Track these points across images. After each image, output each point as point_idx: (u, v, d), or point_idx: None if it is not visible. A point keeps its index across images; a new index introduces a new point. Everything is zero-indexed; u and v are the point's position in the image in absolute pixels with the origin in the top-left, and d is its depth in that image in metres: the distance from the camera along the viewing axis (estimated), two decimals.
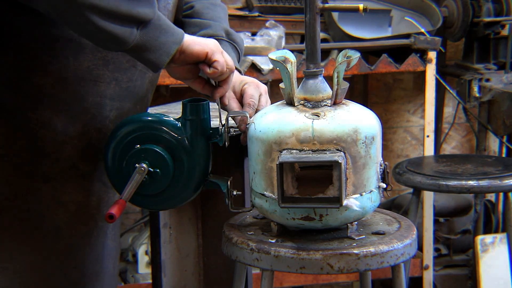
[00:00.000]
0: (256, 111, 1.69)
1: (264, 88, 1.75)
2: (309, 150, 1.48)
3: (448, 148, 3.96)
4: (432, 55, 3.17)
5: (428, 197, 3.26)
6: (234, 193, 1.65)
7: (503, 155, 3.72)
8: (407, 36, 3.22)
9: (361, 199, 1.52)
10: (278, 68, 1.54)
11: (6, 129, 1.56)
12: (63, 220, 1.61)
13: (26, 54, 1.54)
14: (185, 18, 1.84)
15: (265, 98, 1.74)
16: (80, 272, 1.66)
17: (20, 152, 1.57)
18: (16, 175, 1.57)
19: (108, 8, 1.42)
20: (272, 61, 1.53)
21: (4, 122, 1.56)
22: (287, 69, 1.53)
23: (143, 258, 3.27)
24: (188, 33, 1.83)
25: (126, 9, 1.43)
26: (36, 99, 1.56)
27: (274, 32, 3.16)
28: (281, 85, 1.56)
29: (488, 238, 3.34)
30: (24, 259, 1.61)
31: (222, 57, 1.59)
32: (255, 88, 1.72)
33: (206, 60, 1.57)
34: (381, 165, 1.56)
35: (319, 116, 1.50)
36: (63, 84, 1.57)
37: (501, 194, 3.65)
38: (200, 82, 1.65)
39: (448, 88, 3.43)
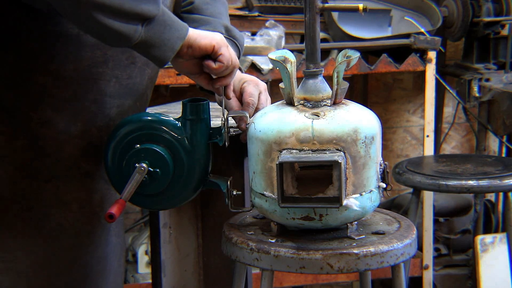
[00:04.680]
0: (256, 109, 1.69)
1: (263, 86, 1.75)
2: (309, 150, 1.48)
3: (448, 148, 3.96)
4: (432, 55, 3.17)
5: (428, 197, 3.26)
6: (234, 193, 1.65)
7: (503, 155, 3.72)
8: (407, 36, 3.22)
9: (361, 199, 1.52)
10: (278, 68, 1.54)
11: (7, 129, 1.56)
12: (66, 219, 1.61)
13: (26, 54, 1.54)
14: (184, 14, 1.84)
15: (265, 96, 1.74)
16: (85, 271, 1.66)
17: (22, 151, 1.57)
18: (17, 175, 1.57)
19: (112, 6, 1.42)
20: (272, 61, 1.53)
21: (5, 121, 1.56)
22: (287, 69, 1.53)
23: (143, 258, 3.27)
24: None
25: (130, 7, 1.44)
26: (37, 98, 1.56)
27: (274, 32, 3.16)
28: (281, 85, 1.56)
29: (488, 238, 3.34)
30: (28, 259, 1.60)
31: (228, 51, 1.59)
32: (255, 87, 1.72)
33: (212, 54, 1.57)
34: (381, 165, 1.56)
35: (319, 116, 1.50)
36: (64, 82, 1.57)
37: (501, 194, 3.65)
38: (205, 77, 1.65)
39: (448, 88, 3.43)
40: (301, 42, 3.49)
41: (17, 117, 1.56)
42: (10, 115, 1.56)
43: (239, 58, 1.82)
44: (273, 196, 1.52)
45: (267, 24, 3.23)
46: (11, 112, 1.56)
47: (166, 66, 2.04)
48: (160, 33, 1.50)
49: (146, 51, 1.51)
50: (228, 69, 1.60)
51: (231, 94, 1.70)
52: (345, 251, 1.49)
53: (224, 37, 1.79)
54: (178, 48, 1.53)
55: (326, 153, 1.48)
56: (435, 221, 3.43)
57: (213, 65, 1.58)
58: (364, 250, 1.49)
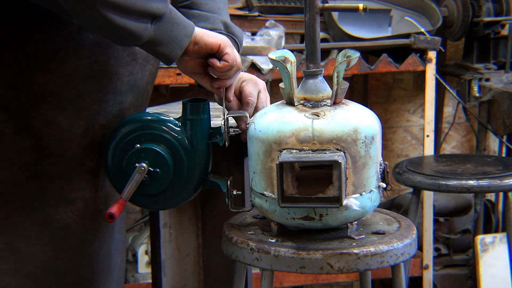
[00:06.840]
0: (256, 108, 1.69)
1: (262, 84, 1.74)
2: (309, 149, 1.48)
3: (448, 148, 3.96)
4: (432, 54, 3.17)
5: (428, 197, 3.26)
6: (234, 193, 1.65)
7: (503, 155, 3.72)
8: (407, 35, 3.22)
9: (361, 199, 1.52)
10: (278, 68, 1.54)
11: (10, 130, 1.56)
12: (72, 217, 1.61)
13: (26, 54, 1.54)
14: (182, 9, 1.83)
15: (264, 94, 1.73)
16: (92, 268, 1.65)
17: (25, 152, 1.56)
18: (22, 175, 1.57)
19: (124, 5, 1.43)
20: (272, 60, 1.53)
21: (7, 122, 1.55)
22: (287, 68, 1.53)
23: (143, 258, 3.27)
24: None
25: (142, 5, 1.44)
26: (39, 98, 1.56)
27: (274, 32, 3.16)
28: (281, 84, 1.56)
29: (488, 237, 3.34)
30: (36, 260, 1.60)
31: (233, 51, 1.59)
32: (254, 86, 1.72)
33: (217, 53, 1.58)
34: (381, 165, 1.56)
35: (319, 116, 1.50)
36: (65, 81, 1.57)
37: (501, 194, 3.65)
38: (209, 78, 1.65)
39: (448, 88, 3.43)
40: (301, 42, 3.49)
41: (20, 117, 1.56)
42: (13, 116, 1.56)
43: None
44: (273, 196, 1.52)
45: (267, 24, 3.23)
46: (14, 113, 1.55)
47: (167, 66, 2.04)
48: (169, 31, 1.50)
49: (153, 49, 1.52)
50: (233, 69, 1.60)
51: (232, 97, 1.70)
52: (345, 251, 1.49)
53: (223, 33, 1.79)
54: (186, 45, 1.53)
55: (326, 153, 1.48)
56: (435, 221, 3.43)
57: (217, 63, 1.58)
58: (364, 250, 1.49)
